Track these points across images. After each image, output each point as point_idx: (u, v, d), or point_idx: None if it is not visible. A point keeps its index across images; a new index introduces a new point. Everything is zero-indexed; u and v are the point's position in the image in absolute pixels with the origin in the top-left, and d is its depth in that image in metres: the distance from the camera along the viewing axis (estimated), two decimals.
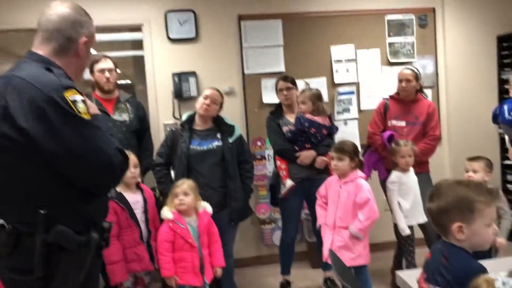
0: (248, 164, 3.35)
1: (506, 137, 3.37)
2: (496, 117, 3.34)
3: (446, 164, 4.39)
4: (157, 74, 4.04)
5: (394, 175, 3.23)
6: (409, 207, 3.18)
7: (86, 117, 1.48)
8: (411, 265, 3.16)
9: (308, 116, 3.38)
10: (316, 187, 3.22)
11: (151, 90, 4.06)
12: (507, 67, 4.30)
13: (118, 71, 3.53)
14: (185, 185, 2.82)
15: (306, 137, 3.39)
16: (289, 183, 3.40)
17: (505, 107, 3.24)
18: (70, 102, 1.44)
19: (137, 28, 4.06)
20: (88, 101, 1.56)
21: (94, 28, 1.68)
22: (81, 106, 1.47)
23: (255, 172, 3.90)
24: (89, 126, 1.49)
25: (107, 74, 3.30)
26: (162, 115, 4.05)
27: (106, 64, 3.33)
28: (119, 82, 3.60)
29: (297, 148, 3.42)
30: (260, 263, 4.23)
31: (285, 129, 3.45)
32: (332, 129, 3.53)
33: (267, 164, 4.14)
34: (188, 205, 2.80)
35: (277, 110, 3.59)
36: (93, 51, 1.75)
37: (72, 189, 1.51)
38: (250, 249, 4.27)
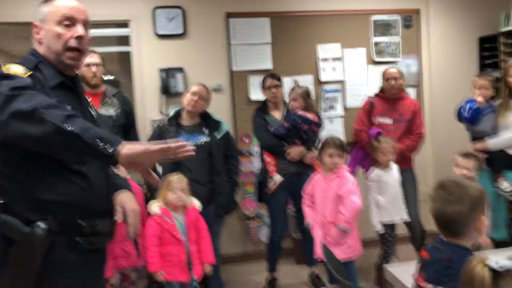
0: (234, 159, 3.37)
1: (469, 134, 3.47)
2: (459, 115, 3.44)
3: (429, 161, 4.47)
4: (144, 70, 4.02)
5: (374, 173, 3.27)
6: (386, 204, 3.21)
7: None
8: (386, 260, 3.22)
9: (301, 113, 3.42)
10: (302, 182, 3.26)
11: (138, 86, 4.04)
12: (488, 67, 4.40)
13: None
14: (183, 182, 2.84)
15: (297, 133, 3.42)
16: (278, 178, 3.43)
17: (465, 106, 3.35)
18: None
19: (124, 24, 4.04)
20: None
21: (48, 10, 1.60)
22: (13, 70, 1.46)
23: (241, 168, 3.92)
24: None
25: (93, 68, 3.27)
26: (149, 111, 4.03)
27: (93, 58, 3.30)
28: (104, 78, 3.57)
29: (285, 144, 3.45)
30: (246, 260, 4.24)
31: (274, 125, 3.48)
32: (321, 126, 3.58)
33: (254, 161, 4.15)
34: (184, 202, 2.81)
35: (262, 107, 3.62)
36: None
37: (22, 175, 1.46)
38: (236, 245, 4.28)
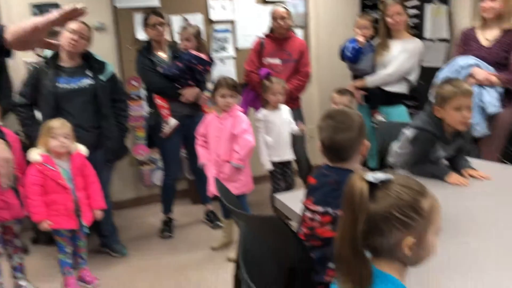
0: (122, 103, 3.22)
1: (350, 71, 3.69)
2: (342, 55, 3.64)
3: (315, 100, 4.69)
4: (13, 6, 3.59)
5: (261, 113, 3.33)
6: (274, 144, 3.30)
7: None
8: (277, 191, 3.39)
9: (195, 53, 3.33)
10: (195, 124, 3.24)
11: (6, 24, 3.60)
12: (368, 9, 4.62)
13: None
14: (66, 128, 2.66)
15: (191, 74, 3.35)
16: (173, 122, 3.36)
17: (348, 46, 3.54)
18: None
19: None
20: None
21: None
22: None
23: (131, 112, 3.79)
24: None
25: None
26: (22, 52, 3.64)
27: None
28: None
29: (178, 86, 3.37)
30: (140, 204, 4.20)
31: (164, 66, 3.35)
32: (213, 66, 3.54)
33: (144, 104, 4.01)
34: (68, 148, 2.65)
35: (147, 47, 3.44)
36: None
37: None
38: (129, 191, 4.21)
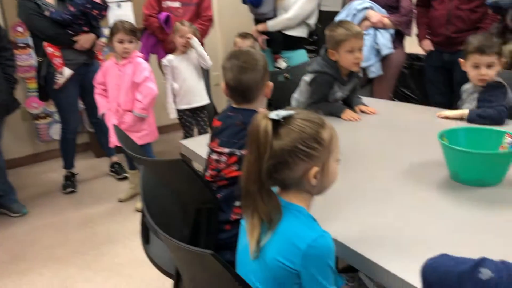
0: (7, 51, 2.93)
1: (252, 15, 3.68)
2: None
3: (219, 46, 4.63)
4: None
5: (166, 58, 3.21)
6: (181, 90, 3.21)
7: None
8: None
9: None
10: (91, 73, 3.07)
11: None
12: None
13: None
14: None
15: (85, 20, 3.10)
16: (67, 71, 3.12)
17: None
18: None
19: None
20: None
21: None
22: None
23: (19, 62, 3.48)
24: None
25: None
26: None
27: None
28: None
29: (71, 32, 3.11)
30: (38, 161, 3.96)
31: (52, 10, 3.05)
32: (108, 10, 3.30)
33: (32, 53, 3.68)
34: None
35: None
36: None
37: None
38: (24, 147, 3.93)
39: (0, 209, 3.08)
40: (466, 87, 2.14)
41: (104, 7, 3.21)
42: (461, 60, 2.07)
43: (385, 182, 1.47)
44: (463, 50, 2.05)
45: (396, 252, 1.07)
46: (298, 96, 2.39)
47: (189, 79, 3.21)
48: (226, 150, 1.45)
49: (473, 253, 1.02)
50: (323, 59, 2.23)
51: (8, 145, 3.32)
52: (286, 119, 1.01)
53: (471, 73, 2.01)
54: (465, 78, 2.11)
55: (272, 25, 3.50)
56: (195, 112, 3.30)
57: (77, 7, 3.06)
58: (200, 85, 3.27)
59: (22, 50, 3.75)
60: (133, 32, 2.87)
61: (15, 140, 3.78)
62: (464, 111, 1.99)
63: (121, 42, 2.84)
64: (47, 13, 3.04)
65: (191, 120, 3.31)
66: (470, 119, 1.95)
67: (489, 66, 1.96)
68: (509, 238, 1.05)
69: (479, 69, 1.97)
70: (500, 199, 1.30)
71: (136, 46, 2.93)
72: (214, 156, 1.48)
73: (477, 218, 1.20)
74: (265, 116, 0.99)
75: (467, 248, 1.06)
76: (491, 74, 1.96)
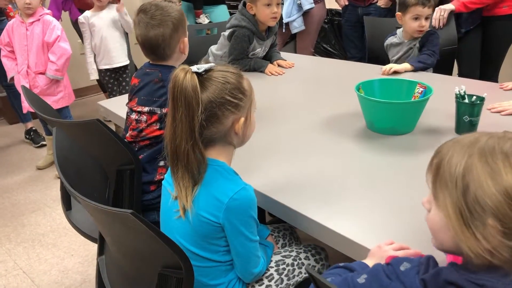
0: None
1: None
2: None
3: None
4: None
5: (83, 15, 3.01)
6: (100, 50, 3.04)
7: None
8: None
9: None
10: None
11: None
12: None
13: None
14: None
15: None
16: None
17: None
18: None
19: None
20: None
21: None
22: None
23: None
24: None
25: None
26: None
27: None
28: None
29: None
30: None
31: None
32: None
33: None
34: None
35: None
36: None
37: None
38: None
39: None
40: (395, 40, 2.24)
41: None
42: (398, 13, 2.18)
43: (305, 134, 1.51)
44: (401, 4, 2.16)
45: (317, 201, 1.11)
46: (215, 50, 2.35)
47: (108, 38, 3.03)
48: (146, 109, 1.41)
49: (390, 196, 1.09)
50: (241, 14, 2.20)
51: None
52: (207, 71, 0.99)
53: (411, 24, 2.13)
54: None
55: None
56: (117, 72, 3.15)
57: None
58: (121, 44, 3.10)
59: None
60: None
61: None
62: (406, 65, 2.06)
63: None
64: None
65: (113, 81, 3.16)
66: (417, 68, 2.05)
67: (426, 18, 2.11)
68: (421, 180, 1.13)
69: (420, 20, 2.11)
70: (412, 146, 1.38)
71: (40, 1, 2.70)
72: (134, 116, 1.43)
73: (391, 163, 1.27)
74: (186, 70, 0.96)
75: (383, 192, 1.12)
76: (427, 25, 2.13)
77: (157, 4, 1.44)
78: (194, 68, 0.97)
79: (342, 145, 1.41)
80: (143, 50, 1.44)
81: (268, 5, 2.11)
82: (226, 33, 2.26)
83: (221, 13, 3.43)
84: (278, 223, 1.41)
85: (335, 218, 1.03)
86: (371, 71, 2.08)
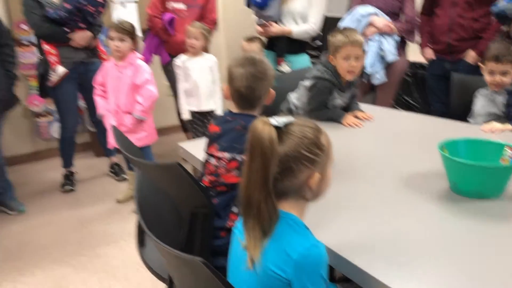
0: (8, 47, 2.92)
1: (254, 17, 3.63)
2: (249, 1, 3.57)
3: (223, 48, 4.63)
4: None
5: (179, 59, 3.21)
6: (191, 92, 3.22)
7: None
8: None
9: None
10: (91, 72, 3.08)
11: None
12: None
13: None
14: None
15: (82, 16, 3.09)
16: (60, 69, 3.11)
17: None
18: None
19: None
20: None
21: None
22: None
23: (22, 60, 3.49)
24: None
25: None
26: None
27: None
28: None
29: (67, 30, 3.11)
30: (39, 159, 3.95)
31: (51, 8, 3.04)
32: (105, 7, 3.29)
33: (36, 51, 3.68)
34: None
35: None
36: None
37: None
38: (25, 145, 3.93)
39: None
40: (485, 92, 2.20)
41: (101, 4, 3.18)
42: (481, 65, 2.17)
43: (383, 191, 1.45)
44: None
45: (392, 264, 1.05)
46: (294, 99, 2.38)
47: (200, 82, 3.20)
48: (227, 155, 1.44)
49: (473, 267, 1.01)
50: (323, 65, 2.22)
51: (8, 142, 3.31)
52: (287, 125, 1.00)
53: (488, 78, 2.12)
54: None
55: (297, 32, 3.35)
56: (204, 115, 3.28)
57: (72, 3, 3.05)
58: (211, 89, 3.24)
59: (26, 47, 3.75)
60: (124, 30, 2.82)
61: (15, 138, 3.78)
62: (508, 126, 1.99)
63: (111, 39, 2.83)
64: (49, 10, 3.03)
65: (200, 122, 3.29)
66: None
67: (503, 73, 2.07)
68: (509, 253, 1.03)
69: (494, 75, 2.09)
70: (500, 213, 1.28)
71: (130, 46, 2.87)
72: (213, 161, 1.46)
73: (476, 231, 1.18)
74: (265, 122, 0.98)
75: (466, 262, 1.04)
76: (506, 81, 2.08)
77: (259, 59, 1.50)
78: (273, 120, 0.99)
79: (421, 206, 1.33)
80: (238, 99, 1.49)
81: (346, 58, 2.12)
82: (307, 83, 2.28)
83: (302, 62, 3.48)
84: (348, 282, 1.35)
85: (409, 285, 0.96)
86: (456, 128, 1.99)
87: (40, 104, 3.85)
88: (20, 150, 3.86)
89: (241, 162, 1.39)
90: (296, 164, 0.98)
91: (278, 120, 0.99)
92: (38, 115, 3.91)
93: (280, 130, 0.99)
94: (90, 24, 3.18)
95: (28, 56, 3.75)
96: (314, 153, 0.99)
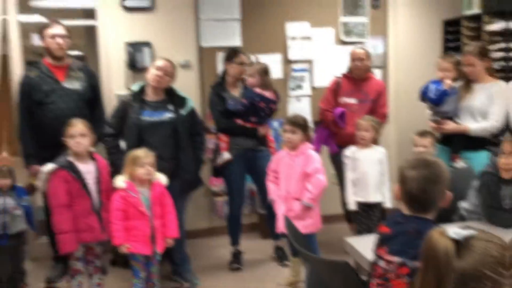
0: (199, 136, 3.38)
1: (428, 112, 3.52)
2: (423, 96, 3.51)
3: (393, 141, 4.58)
4: (110, 44, 3.94)
5: (350, 150, 3.30)
6: (358, 183, 3.24)
7: None
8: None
9: (258, 90, 3.43)
10: (258, 159, 3.42)
11: (103, 60, 3.96)
12: (451, 50, 4.51)
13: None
14: (150, 157, 2.82)
15: (254, 111, 3.45)
16: (226, 156, 3.47)
17: (430, 87, 3.41)
18: None
19: None
20: None
21: None
22: None
23: (209, 145, 3.94)
24: None
25: (59, 40, 3.19)
26: (115, 85, 3.97)
27: (58, 29, 3.22)
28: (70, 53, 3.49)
29: (241, 122, 3.47)
30: (212, 235, 4.29)
31: (231, 101, 3.47)
32: (277, 103, 3.59)
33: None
34: (151, 176, 2.82)
35: (220, 83, 3.58)
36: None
37: None
38: (203, 220, 4.32)
39: (174, 276, 3.37)
40: None
41: (272, 101, 3.51)
42: None
43: None
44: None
45: None
46: (466, 205, 2.21)
47: (369, 173, 3.23)
48: (397, 259, 1.39)
49: None
50: (491, 160, 2.09)
51: (189, 218, 3.69)
52: (467, 239, 0.95)
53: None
54: None
55: (475, 129, 3.24)
56: (370, 207, 3.26)
57: (248, 99, 3.43)
58: (379, 181, 3.24)
59: (213, 135, 4.26)
60: (296, 124, 3.05)
61: (195, 213, 4.19)
62: None
63: (284, 131, 3.09)
64: (228, 104, 3.45)
65: (365, 214, 3.27)
66: None
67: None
68: None
69: None
70: None
71: (301, 137, 3.05)
72: (382, 264, 1.43)
73: None
74: (442, 234, 0.94)
75: None
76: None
77: (434, 161, 1.49)
78: (452, 232, 0.95)
79: None
80: (409, 202, 1.46)
81: (505, 153, 1.98)
82: (476, 183, 2.13)
83: (482, 160, 3.23)
84: None
85: None
86: None
87: (218, 184, 4.26)
88: (198, 225, 4.26)
89: (412, 268, 1.34)
90: (477, 283, 0.91)
91: (457, 233, 0.95)
92: (216, 194, 4.31)
93: (460, 244, 0.94)
94: (261, 118, 3.50)
95: (212, 142, 4.25)
96: (499, 273, 0.91)
